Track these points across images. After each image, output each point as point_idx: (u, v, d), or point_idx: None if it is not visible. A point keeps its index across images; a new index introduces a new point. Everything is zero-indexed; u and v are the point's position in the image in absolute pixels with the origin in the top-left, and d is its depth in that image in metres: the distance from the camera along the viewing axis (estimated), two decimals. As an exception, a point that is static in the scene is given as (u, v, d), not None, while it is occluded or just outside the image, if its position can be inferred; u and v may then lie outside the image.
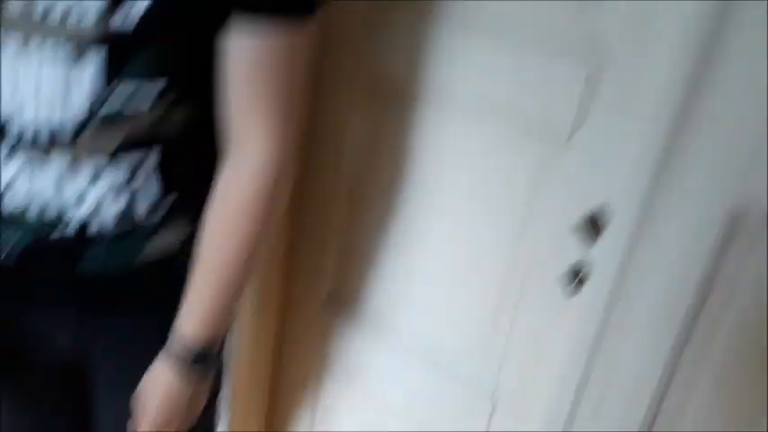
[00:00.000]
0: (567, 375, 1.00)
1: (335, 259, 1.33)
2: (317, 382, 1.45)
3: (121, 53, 0.70)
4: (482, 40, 1.01)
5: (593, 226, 0.96)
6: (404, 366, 1.27)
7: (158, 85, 0.73)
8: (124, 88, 0.71)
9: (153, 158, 0.77)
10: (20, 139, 0.73)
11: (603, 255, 0.94)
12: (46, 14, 0.69)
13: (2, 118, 0.73)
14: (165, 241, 0.82)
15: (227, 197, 0.78)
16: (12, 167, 0.75)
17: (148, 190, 0.78)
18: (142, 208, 0.79)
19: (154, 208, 0.80)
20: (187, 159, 0.81)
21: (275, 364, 1.51)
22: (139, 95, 0.72)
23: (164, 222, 0.81)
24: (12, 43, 0.70)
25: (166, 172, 0.79)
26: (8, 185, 0.76)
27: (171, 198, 0.80)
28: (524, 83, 0.99)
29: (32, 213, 0.77)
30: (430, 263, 1.18)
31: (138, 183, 0.77)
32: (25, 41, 0.70)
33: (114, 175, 0.76)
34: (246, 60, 0.73)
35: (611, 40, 0.91)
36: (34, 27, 0.69)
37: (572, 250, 0.99)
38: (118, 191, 0.76)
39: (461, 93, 1.05)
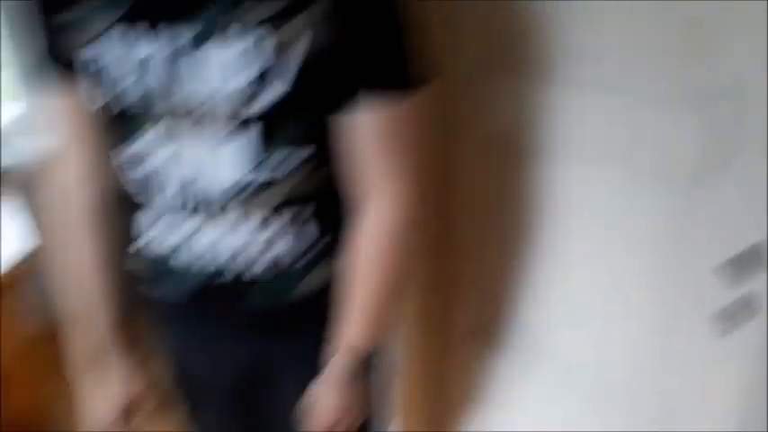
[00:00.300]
0: (730, 410, 0.99)
1: (477, 293, 1.33)
2: (469, 409, 1.44)
3: (272, 124, 0.80)
4: (596, 94, 1.02)
5: (742, 265, 0.90)
6: (558, 395, 1.26)
7: (306, 150, 0.83)
8: (274, 157, 0.82)
9: (306, 211, 0.88)
10: (187, 206, 0.87)
11: (756, 294, 0.93)
12: (195, 104, 0.80)
13: (169, 193, 0.87)
14: (312, 281, 0.93)
15: (366, 245, 0.89)
16: (183, 229, 0.89)
17: (299, 242, 0.89)
18: (290, 257, 0.90)
19: (300, 254, 0.90)
20: (337, 210, 0.91)
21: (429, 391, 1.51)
22: (289, 162, 0.83)
23: (309, 266, 0.92)
24: (171, 127, 0.82)
25: (318, 223, 0.90)
26: (178, 245, 0.90)
27: (321, 242, 0.91)
28: (640, 132, 0.99)
29: (196, 267, 0.91)
30: (576, 296, 1.17)
31: (288, 238, 0.88)
32: (182, 127, 0.82)
33: (266, 232, 0.87)
34: (371, 131, 0.83)
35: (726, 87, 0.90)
36: (186, 114, 0.80)
37: (723, 289, 0.96)
38: (267, 245, 0.88)
39: (580, 144, 1.06)
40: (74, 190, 0.95)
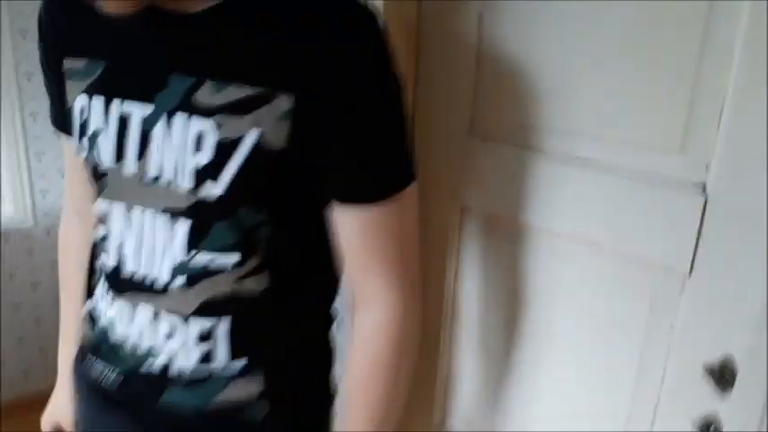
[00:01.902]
0: None
1: (447, 386, 1.30)
2: None
3: (203, 225, 0.78)
4: (582, 175, 0.99)
5: (721, 375, 0.86)
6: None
7: (233, 257, 0.79)
8: (202, 257, 0.79)
9: (226, 323, 0.83)
10: (122, 286, 0.84)
11: (734, 408, 0.85)
12: (151, 184, 0.78)
13: (111, 267, 0.85)
14: (237, 392, 0.86)
15: (362, 350, 0.83)
16: (115, 308, 0.86)
17: (221, 350, 0.84)
18: (214, 364, 0.84)
19: (226, 365, 0.84)
20: (261, 325, 0.85)
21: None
22: (216, 265, 0.79)
23: (235, 378, 0.85)
24: (123, 207, 0.82)
25: (238, 337, 0.84)
26: (111, 323, 0.87)
27: (242, 360, 0.85)
28: (628, 219, 0.95)
29: (127, 349, 0.86)
30: (550, 391, 1.12)
31: (210, 344, 0.83)
32: (132, 206, 0.81)
33: (188, 333, 0.82)
34: (354, 229, 0.79)
35: (719, 176, 0.86)
36: (140, 194, 0.79)
37: (701, 398, 0.90)
38: (192, 347, 0.83)
39: (565, 226, 1.03)
40: (73, 250, 1.03)
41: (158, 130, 0.75)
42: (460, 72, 1.12)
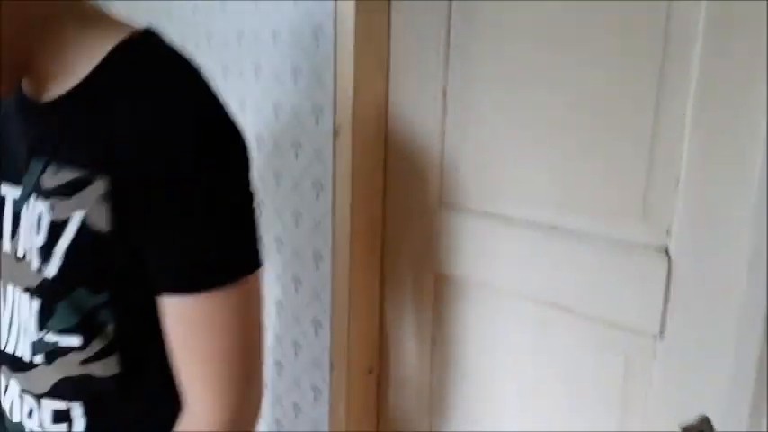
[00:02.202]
0: None
1: None
2: None
3: (48, 304, 0.78)
4: (550, 242, 1.03)
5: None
6: None
7: (75, 339, 0.78)
8: (51, 337, 0.78)
9: (80, 407, 0.82)
10: (5, 354, 0.85)
11: None
12: (18, 263, 0.80)
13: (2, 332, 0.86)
14: None
15: None
16: (3, 379, 0.88)
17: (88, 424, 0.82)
18: None
19: None
20: (117, 410, 0.83)
21: None
22: (62, 346, 0.78)
23: None
24: (6, 270, 0.83)
25: (94, 422, 0.82)
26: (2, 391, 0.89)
27: None
28: (597, 284, 0.98)
29: (7, 420, 0.88)
30: None
31: (67, 426, 0.82)
32: (6, 284, 0.83)
33: (41, 414, 0.83)
34: (176, 322, 0.75)
35: (681, 239, 0.89)
36: (12, 272, 0.81)
37: None
38: (48, 428, 0.83)
39: (537, 292, 1.06)
40: None
41: (22, 211, 0.80)
42: (428, 148, 1.16)
